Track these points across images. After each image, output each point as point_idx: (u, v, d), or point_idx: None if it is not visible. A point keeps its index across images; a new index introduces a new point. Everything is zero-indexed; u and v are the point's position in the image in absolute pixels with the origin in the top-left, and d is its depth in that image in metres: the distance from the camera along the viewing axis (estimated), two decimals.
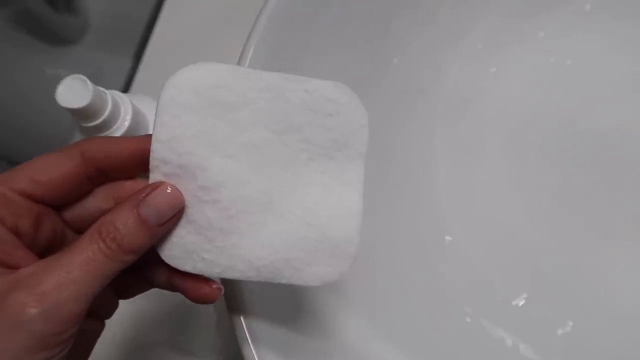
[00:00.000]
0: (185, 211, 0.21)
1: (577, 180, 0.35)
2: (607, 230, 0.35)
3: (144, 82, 0.45)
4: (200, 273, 0.22)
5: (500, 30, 0.37)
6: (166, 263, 0.22)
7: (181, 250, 0.22)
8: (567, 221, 0.35)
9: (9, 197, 0.21)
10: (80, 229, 0.23)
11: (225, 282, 0.27)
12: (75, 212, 0.23)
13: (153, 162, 0.21)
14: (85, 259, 0.20)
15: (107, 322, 0.25)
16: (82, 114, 0.28)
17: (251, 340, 0.27)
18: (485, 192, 0.36)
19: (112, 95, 0.29)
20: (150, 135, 0.21)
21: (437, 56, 0.37)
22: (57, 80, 0.55)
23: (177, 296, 0.38)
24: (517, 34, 0.37)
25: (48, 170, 0.21)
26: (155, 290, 0.26)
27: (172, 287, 0.24)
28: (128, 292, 0.25)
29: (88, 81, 0.27)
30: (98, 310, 0.24)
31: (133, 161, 0.22)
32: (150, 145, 0.21)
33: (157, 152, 0.21)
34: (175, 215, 0.21)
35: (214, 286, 0.23)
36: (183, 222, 0.22)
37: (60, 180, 0.21)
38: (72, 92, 0.27)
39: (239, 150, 0.22)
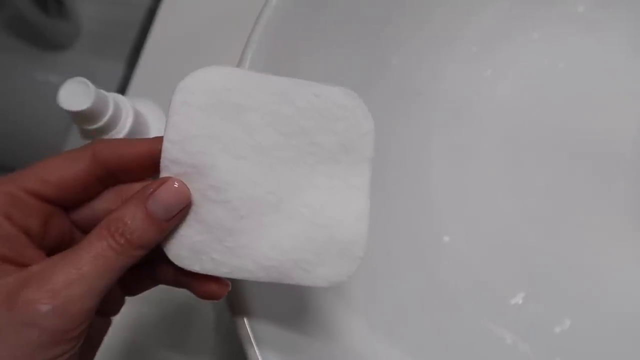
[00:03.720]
0: (194, 211, 0.22)
1: (572, 181, 0.36)
2: (602, 230, 0.35)
3: (140, 88, 0.45)
4: (209, 273, 0.22)
5: (495, 33, 0.38)
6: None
7: (189, 250, 0.22)
8: (563, 221, 0.35)
9: (18, 196, 0.21)
10: (88, 230, 0.23)
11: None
12: (84, 214, 0.23)
13: (164, 162, 0.21)
14: (95, 255, 0.20)
15: None
16: (84, 117, 0.28)
17: (255, 341, 0.27)
18: (482, 193, 0.36)
19: (113, 98, 0.29)
20: (161, 137, 0.22)
21: (433, 59, 0.37)
22: (49, 85, 0.55)
23: (176, 297, 0.38)
24: (511, 36, 0.38)
25: (58, 171, 0.22)
26: (153, 290, 0.26)
27: (178, 284, 0.24)
28: (134, 289, 0.25)
29: (90, 84, 0.27)
30: (105, 307, 0.24)
31: (144, 163, 0.22)
32: (161, 146, 0.21)
33: (168, 151, 0.21)
34: (182, 210, 0.21)
35: (221, 283, 0.23)
36: (192, 222, 0.22)
37: (70, 181, 0.22)
38: (74, 94, 0.27)
39: (249, 152, 0.22)
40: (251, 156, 0.22)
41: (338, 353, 0.30)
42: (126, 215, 0.20)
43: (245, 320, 0.27)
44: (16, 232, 0.21)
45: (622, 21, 0.37)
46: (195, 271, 0.22)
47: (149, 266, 0.24)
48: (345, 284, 0.32)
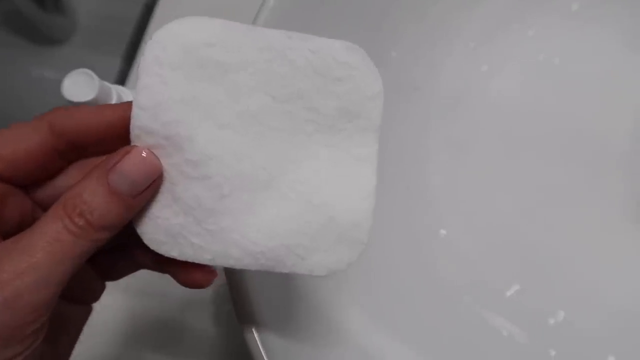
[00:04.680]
0: (171, 189, 0.19)
1: (567, 175, 0.36)
2: (596, 223, 0.35)
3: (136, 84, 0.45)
4: (189, 260, 0.20)
5: (491, 29, 0.38)
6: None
7: (166, 234, 0.19)
8: (558, 214, 0.36)
9: None
10: None
11: (228, 274, 0.27)
12: (47, 192, 0.21)
13: (134, 131, 0.18)
14: (49, 240, 0.17)
15: (101, 317, 0.24)
16: None
17: (255, 329, 0.27)
18: (478, 187, 0.37)
19: (116, 90, 0.29)
20: (131, 102, 0.19)
21: (430, 53, 0.38)
22: (45, 80, 0.55)
23: (172, 290, 0.38)
24: (507, 32, 0.38)
25: (10, 144, 0.19)
26: (148, 285, 0.25)
27: (160, 270, 0.22)
28: (113, 274, 0.23)
29: (94, 75, 0.27)
30: (81, 294, 0.22)
31: (114, 133, 0.19)
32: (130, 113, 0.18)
33: (139, 119, 0.18)
34: (152, 184, 0.18)
35: (206, 271, 0.21)
36: (168, 201, 0.19)
37: (24, 156, 0.19)
38: (78, 86, 0.27)
39: (235, 120, 0.19)
40: (237, 124, 0.19)
41: (339, 344, 0.31)
42: (85, 191, 0.18)
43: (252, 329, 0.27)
44: None
45: (616, 18, 0.37)
46: (174, 257, 0.20)
47: (127, 249, 0.22)
48: (344, 276, 0.32)
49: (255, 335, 0.27)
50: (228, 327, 0.38)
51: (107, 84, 0.28)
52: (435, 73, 0.38)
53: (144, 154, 0.18)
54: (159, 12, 0.47)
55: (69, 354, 0.22)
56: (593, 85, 0.37)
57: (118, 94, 0.29)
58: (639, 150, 0.36)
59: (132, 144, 0.18)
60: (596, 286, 0.35)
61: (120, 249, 0.22)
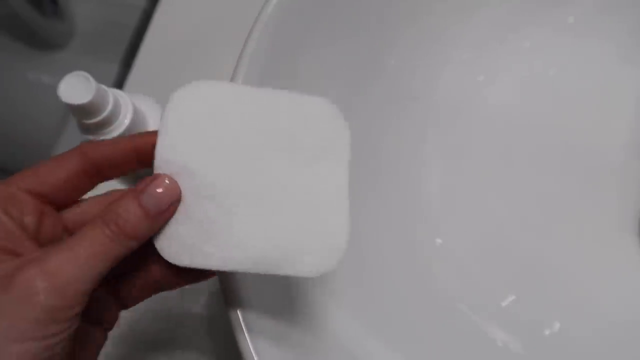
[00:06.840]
0: (185, 209, 0.23)
1: (563, 186, 0.37)
2: (591, 234, 0.36)
3: (134, 89, 0.45)
4: (199, 267, 0.23)
5: (488, 39, 0.38)
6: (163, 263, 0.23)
7: (180, 246, 0.23)
8: (554, 225, 0.36)
9: (16, 194, 0.23)
10: (75, 231, 0.24)
11: (222, 277, 0.28)
12: (74, 215, 0.25)
13: (157, 163, 0.23)
14: (90, 242, 0.21)
15: None
16: (83, 111, 0.28)
17: (246, 330, 0.27)
18: (474, 197, 0.37)
19: (113, 93, 0.29)
20: (143, 133, 0.24)
21: (427, 63, 0.38)
22: (42, 85, 0.55)
23: (166, 308, 0.38)
24: (504, 43, 0.38)
25: (53, 171, 0.23)
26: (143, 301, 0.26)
27: (172, 283, 0.25)
28: (129, 300, 0.26)
29: (91, 78, 0.27)
30: (100, 319, 0.25)
31: (128, 159, 0.24)
32: (145, 142, 0.23)
33: (161, 153, 0.23)
34: (173, 204, 0.23)
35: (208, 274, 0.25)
36: (183, 218, 0.23)
37: (63, 179, 0.23)
38: (75, 88, 0.27)
39: (238, 153, 0.23)
40: (240, 157, 0.23)
41: (327, 347, 0.30)
42: (120, 207, 0.22)
43: (239, 312, 0.27)
44: (14, 226, 0.22)
45: (611, 31, 0.37)
46: (185, 265, 0.23)
47: (145, 267, 0.25)
48: (339, 283, 0.32)
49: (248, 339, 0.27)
50: (224, 342, 0.38)
51: (103, 86, 0.28)
52: (432, 82, 0.38)
53: (167, 181, 0.23)
54: (157, 18, 0.47)
55: None
56: (588, 97, 0.37)
57: (115, 97, 0.29)
58: (634, 161, 0.36)
59: (155, 170, 0.23)
60: (592, 297, 0.35)
61: (139, 269, 0.25)
